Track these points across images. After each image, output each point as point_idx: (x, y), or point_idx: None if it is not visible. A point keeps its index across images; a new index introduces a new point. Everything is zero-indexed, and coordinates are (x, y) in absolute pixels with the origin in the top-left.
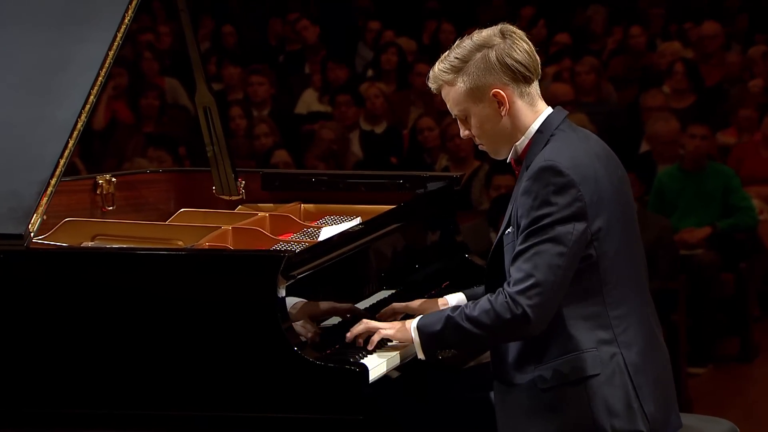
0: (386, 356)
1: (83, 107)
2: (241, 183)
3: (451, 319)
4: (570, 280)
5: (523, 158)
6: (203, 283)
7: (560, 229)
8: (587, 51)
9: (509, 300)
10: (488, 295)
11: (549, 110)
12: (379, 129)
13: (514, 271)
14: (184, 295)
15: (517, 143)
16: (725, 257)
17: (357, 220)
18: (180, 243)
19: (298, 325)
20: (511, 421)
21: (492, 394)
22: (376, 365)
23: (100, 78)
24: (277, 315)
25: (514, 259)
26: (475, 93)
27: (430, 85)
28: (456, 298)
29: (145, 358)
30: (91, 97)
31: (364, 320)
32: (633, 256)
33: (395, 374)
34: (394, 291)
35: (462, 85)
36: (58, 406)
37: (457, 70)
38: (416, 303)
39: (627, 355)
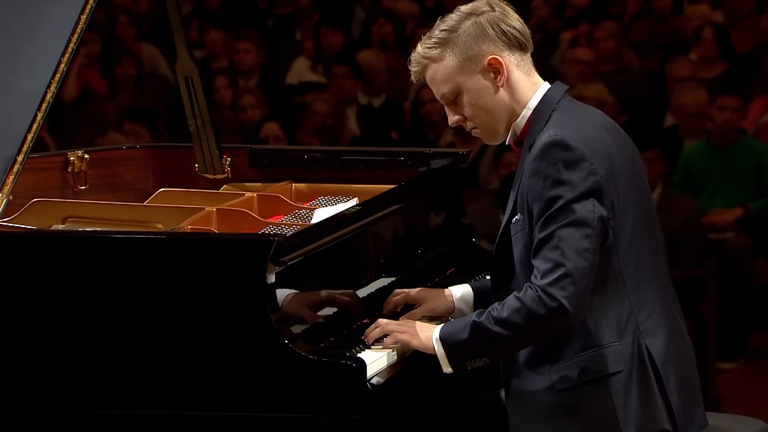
0: (385, 350)
1: (53, 77)
2: (226, 160)
3: (477, 324)
4: (597, 262)
5: (523, 138)
6: (185, 270)
7: (580, 209)
8: (607, 14)
9: (542, 294)
10: (514, 293)
11: (547, 85)
12: (378, 101)
13: (540, 262)
14: (163, 284)
15: (515, 122)
16: (758, 241)
17: (353, 201)
18: (159, 226)
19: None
20: (525, 424)
21: (501, 393)
22: (375, 360)
23: (72, 45)
24: (266, 305)
25: (537, 249)
26: (468, 64)
27: (412, 69)
28: (461, 290)
29: (120, 352)
30: (62, 65)
31: (381, 321)
32: (651, 237)
33: (395, 370)
34: (394, 278)
35: (452, 57)
36: (25, 406)
37: (444, 43)
38: (416, 291)
39: (651, 344)
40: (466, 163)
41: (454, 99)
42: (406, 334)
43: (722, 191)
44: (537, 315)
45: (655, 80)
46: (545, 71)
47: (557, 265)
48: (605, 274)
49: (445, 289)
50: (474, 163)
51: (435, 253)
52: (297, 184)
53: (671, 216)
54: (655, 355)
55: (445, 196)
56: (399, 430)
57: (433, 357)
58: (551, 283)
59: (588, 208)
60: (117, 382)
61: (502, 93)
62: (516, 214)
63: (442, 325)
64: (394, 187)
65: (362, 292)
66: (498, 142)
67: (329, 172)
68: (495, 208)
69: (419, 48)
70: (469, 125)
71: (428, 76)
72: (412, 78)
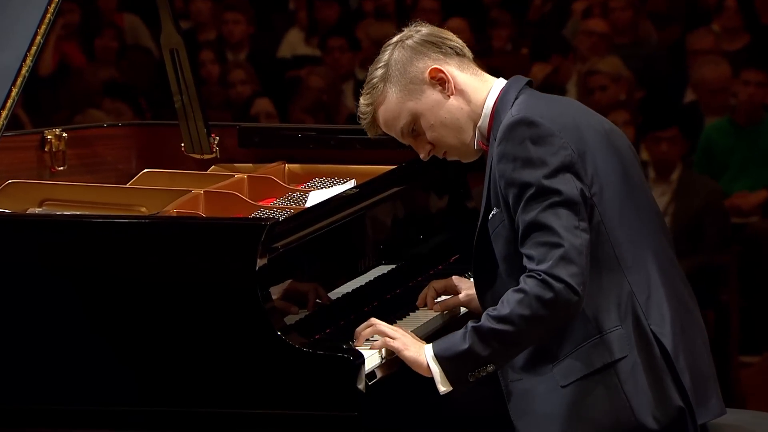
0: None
1: (28, 50)
2: (214, 139)
3: (478, 329)
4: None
5: (489, 135)
6: (171, 257)
7: (559, 186)
8: None
9: (546, 277)
10: (511, 289)
11: (502, 80)
12: None
13: (533, 249)
14: (148, 272)
15: (479, 124)
16: None
17: (351, 183)
18: (143, 210)
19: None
20: (531, 426)
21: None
22: (373, 353)
23: (48, 15)
24: (257, 293)
25: (525, 236)
26: (411, 87)
27: (363, 123)
28: None
29: (100, 344)
30: (38, 37)
31: (372, 320)
32: (645, 213)
33: (394, 364)
34: (394, 266)
35: (393, 89)
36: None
37: (381, 80)
38: (453, 279)
39: (655, 325)
40: None
41: (414, 130)
42: (398, 342)
43: (746, 172)
44: (545, 300)
45: (675, 53)
46: (556, 44)
47: (553, 246)
48: (598, 254)
49: None
50: None
51: (438, 239)
52: (290, 165)
53: (691, 199)
54: (660, 335)
55: (448, 178)
56: (397, 429)
57: (466, 389)
58: (553, 265)
59: (568, 183)
60: (95, 377)
61: (455, 101)
62: (492, 209)
63: (433, 343)
64: (394, 168)
65: (361, 280)
66: (476, 157)
67: (325, 152)
68: None
69: (362, 100)
70: (440, 152)
71: (381, 121)
72: (369, 135)
